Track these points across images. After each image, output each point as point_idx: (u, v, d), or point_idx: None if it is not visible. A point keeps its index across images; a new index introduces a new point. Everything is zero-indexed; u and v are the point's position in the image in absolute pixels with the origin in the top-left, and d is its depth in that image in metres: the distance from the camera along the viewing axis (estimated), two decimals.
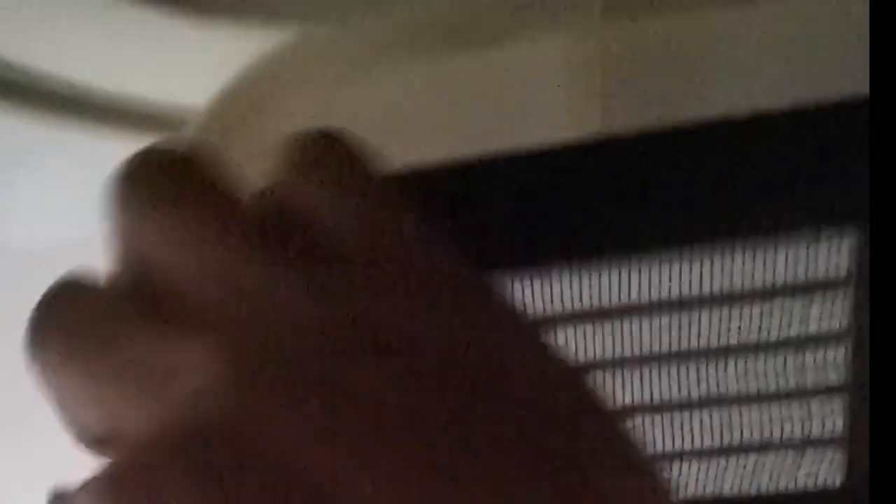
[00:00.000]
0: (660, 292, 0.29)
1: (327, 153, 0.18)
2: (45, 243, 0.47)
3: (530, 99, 0.34)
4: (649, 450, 0.30)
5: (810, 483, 0.31)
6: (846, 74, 0.28)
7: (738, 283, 0.28)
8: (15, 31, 0.35)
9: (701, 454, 0.31)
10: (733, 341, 0.29)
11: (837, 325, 0.28)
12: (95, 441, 0.17)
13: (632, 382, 0.30)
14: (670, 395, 0.30)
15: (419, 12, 0.35)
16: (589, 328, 0.30)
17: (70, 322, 0.16)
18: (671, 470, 0.31)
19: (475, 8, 0.34)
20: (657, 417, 0.30)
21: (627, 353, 0.30)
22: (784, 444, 0.30)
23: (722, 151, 0.28)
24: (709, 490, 0.31)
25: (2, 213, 0.44)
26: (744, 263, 0.28)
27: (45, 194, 0.45)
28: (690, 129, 0.28)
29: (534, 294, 0.30)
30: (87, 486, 0.15)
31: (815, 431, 0.30)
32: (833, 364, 0.28)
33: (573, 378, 0.17)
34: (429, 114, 0.35)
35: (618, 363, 0.30)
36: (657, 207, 0.28)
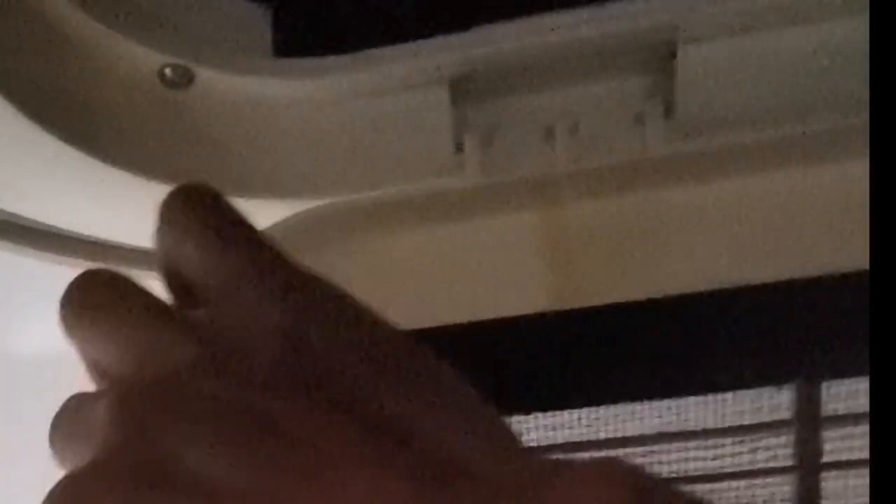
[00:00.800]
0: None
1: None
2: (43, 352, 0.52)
3: (504, 267, 0.39)
4: None
5: None
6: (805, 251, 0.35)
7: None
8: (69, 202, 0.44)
9: None
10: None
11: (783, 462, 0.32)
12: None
13: None
14: None
15: (403, 189, 0.40)
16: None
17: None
18: None
19: (451, 185, 0.39)
20: None
21: None
22: None
23: (682, 322, 0.33)
24: None
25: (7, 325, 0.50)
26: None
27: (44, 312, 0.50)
28: (653, 302, 0.33)
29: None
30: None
31: None
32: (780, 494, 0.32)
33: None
34: (415, 277, 0.40)
35: None
36: (637, 367, 0.35)
